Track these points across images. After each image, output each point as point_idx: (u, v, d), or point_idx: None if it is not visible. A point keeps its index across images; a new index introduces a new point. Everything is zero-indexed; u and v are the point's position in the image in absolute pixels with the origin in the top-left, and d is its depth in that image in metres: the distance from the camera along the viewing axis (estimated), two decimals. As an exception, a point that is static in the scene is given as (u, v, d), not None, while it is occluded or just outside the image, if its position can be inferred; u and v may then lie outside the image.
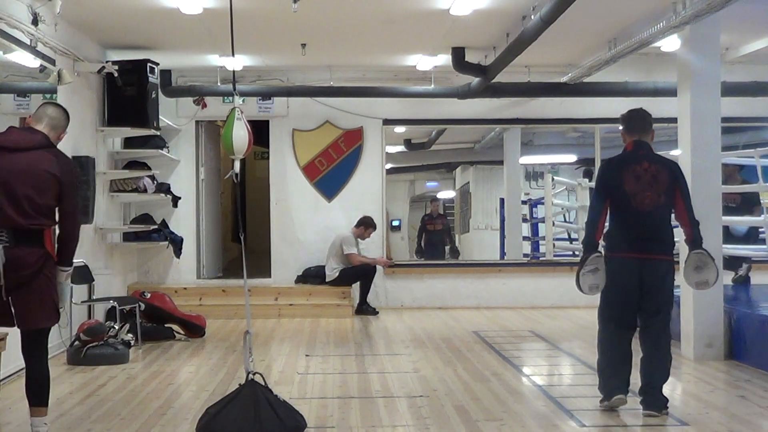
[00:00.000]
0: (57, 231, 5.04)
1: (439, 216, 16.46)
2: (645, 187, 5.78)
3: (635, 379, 6.07)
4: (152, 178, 11.06)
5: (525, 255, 14.83)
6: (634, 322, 5.96)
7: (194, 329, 9.48)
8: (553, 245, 13.97)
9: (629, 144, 5.99)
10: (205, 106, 11.90)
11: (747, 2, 7.27)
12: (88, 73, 9.46)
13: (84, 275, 8.88)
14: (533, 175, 16.74)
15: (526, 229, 15.51)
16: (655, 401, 5.86)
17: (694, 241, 5.92)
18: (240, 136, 5.79)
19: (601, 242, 5.95)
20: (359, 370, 7.55)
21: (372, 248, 11.96)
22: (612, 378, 5.96)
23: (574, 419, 5.71)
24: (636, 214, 5.80)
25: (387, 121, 12.29)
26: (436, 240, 16.13)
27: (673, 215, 6.00)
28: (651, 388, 5.89)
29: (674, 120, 8.27)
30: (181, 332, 9.47)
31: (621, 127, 6.10)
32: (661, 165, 5.89)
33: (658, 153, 6.07)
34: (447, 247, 16.32)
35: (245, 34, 8.88)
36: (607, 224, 6.03)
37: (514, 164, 15.18)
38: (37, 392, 5.02)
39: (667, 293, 5.95)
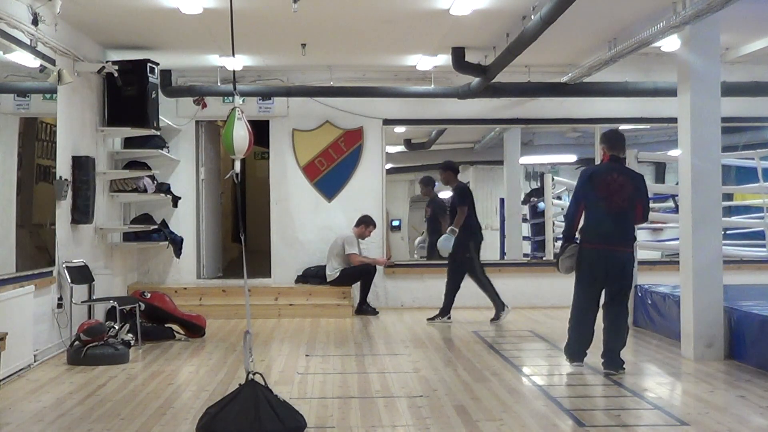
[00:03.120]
0: None
1: None
2: (613, 193, 7.20)
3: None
4: (152, 178, 11.06)
5: (525, 255, 14.82)
6: (597, 301, 7.35)
7: (194, 329, 9.48)
8: (554, 245, 13.95)
9: (606, 157, 7.43)
10: (205, 106, 11.90)
11: (747, 2, 7.27)
12: (88, 73, 9.45)
13: (84, 275, 8.89)
14: (533, 175, 16.72)
15: (526, 229, 15.50)
16: (613, 362, 7.19)
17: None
18: (240, 136, 5.79)
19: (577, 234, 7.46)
20: (359, 370, 7.54)
21: (372, 248, 11.96)
22: (575, 345, 7.40)
23: (574, 419, 5.70)
24: (605, 214, 7.20)
25: (387, 121, 12.29)
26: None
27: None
28: (611, 352, 7.23)
29: (674, 120, 8.27)
30: (181, 332, 9.46)
31: (602, 144, 7.54)
32: (628, 177, 7.32)
33: (627, 167, 7.63)
34: None
35: (245, 34, 8.89)
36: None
37: (514, 164, 15.17)
38: None
39: (628, 278, 7.37)
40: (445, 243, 10.56)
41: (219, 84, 11.44)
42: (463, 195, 10.74)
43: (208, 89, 11.61)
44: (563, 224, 8.09)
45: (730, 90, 9.50)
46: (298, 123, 12.14)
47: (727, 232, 11.48)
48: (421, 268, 12.74)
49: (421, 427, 5.53)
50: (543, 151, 16.11)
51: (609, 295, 7.31)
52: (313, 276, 11.81)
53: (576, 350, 7.43)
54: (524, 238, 15.29)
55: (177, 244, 11.52)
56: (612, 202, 7.18)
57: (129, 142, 10.86)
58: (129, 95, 9.92)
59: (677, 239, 8.73)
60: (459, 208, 10.61)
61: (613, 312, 7.30)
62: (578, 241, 7.42)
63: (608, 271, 7.21)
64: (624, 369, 7.19)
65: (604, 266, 7.21)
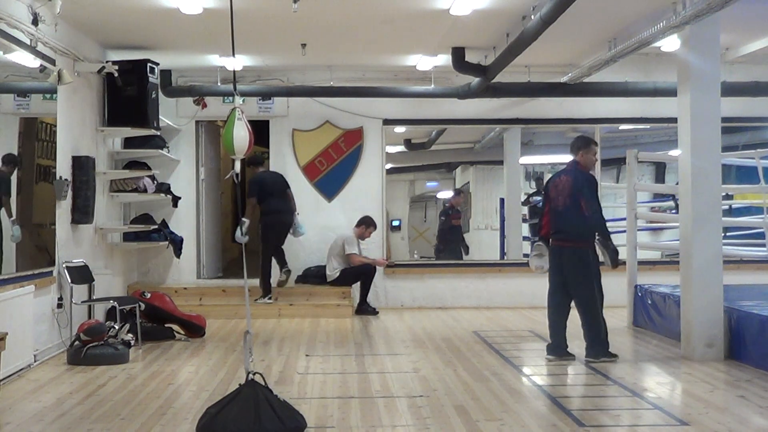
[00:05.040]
0: None
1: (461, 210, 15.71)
2: (559, 193, 7.86)
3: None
4: (152, 178, 11.06)
5: (525, 255, 14.81)
6: (561, 296, 7.89)
7: (194, 329, 9.48)
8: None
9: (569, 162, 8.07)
10: (205, 106, 11.90)
11: (747, 2, 7.27)
12: (88, 73, 9.45)
13: (84, 275, 8.89)
14: (533, 175, 16.71)
15: (526, 229, 15.51)
16: (591, 352, 7.76)
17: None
18: (240, 136, 5.79)
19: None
20: (359, 370, 7.54)
21: (372, 248, 11.96)
22: (554, 336, 7.93)
23: (574, 419, 5.70)
24: (555, 212, 7.89)
25: (387, 121, 12.29)
26: (454, 237, 15.32)
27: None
28: (588, 343, 7.82)
29: (674, 120, 8.27)
30: (181, 332, 9.46)
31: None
32: (569, 176, 7.88)
33: (575, 168, 7.92)
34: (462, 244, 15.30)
35: (245, 34, 8.88)
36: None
37: (514, 164, 15.17)
38: None
39: (581, 270, 7.76)
40: (238, 233, 10.43)
41: (219, 84, 11.45)
42: (251, 186, 11.28)
43: (208, 89, 11.61)
44: None
45: (730, 90, 9.51)
46: (298, 123, 12.15)
47: (728, 232, 11.47)
48: (421, 268, 12.75)
49: (421, 427, 5.53)
50: (543, 151, 16.10)
51: (572, 291, 7.87)
52: (313, 276, 11.82)
53: (550, 333, 7.99)
54: (524, 238, 15.30)
55: (177, 244, 11.52)
56: (558, 202, 7.86)
57: (129, 142, 10.85)
58: (129, 95, 9.92)
59: (677, 239, 8.72)
60: (247, 199, 11.19)
61: (581, 308, 7.84)
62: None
63: (562, 265, 7.85)
64: (605, 359, 7.70)
65: (559, 261, 7.88)
